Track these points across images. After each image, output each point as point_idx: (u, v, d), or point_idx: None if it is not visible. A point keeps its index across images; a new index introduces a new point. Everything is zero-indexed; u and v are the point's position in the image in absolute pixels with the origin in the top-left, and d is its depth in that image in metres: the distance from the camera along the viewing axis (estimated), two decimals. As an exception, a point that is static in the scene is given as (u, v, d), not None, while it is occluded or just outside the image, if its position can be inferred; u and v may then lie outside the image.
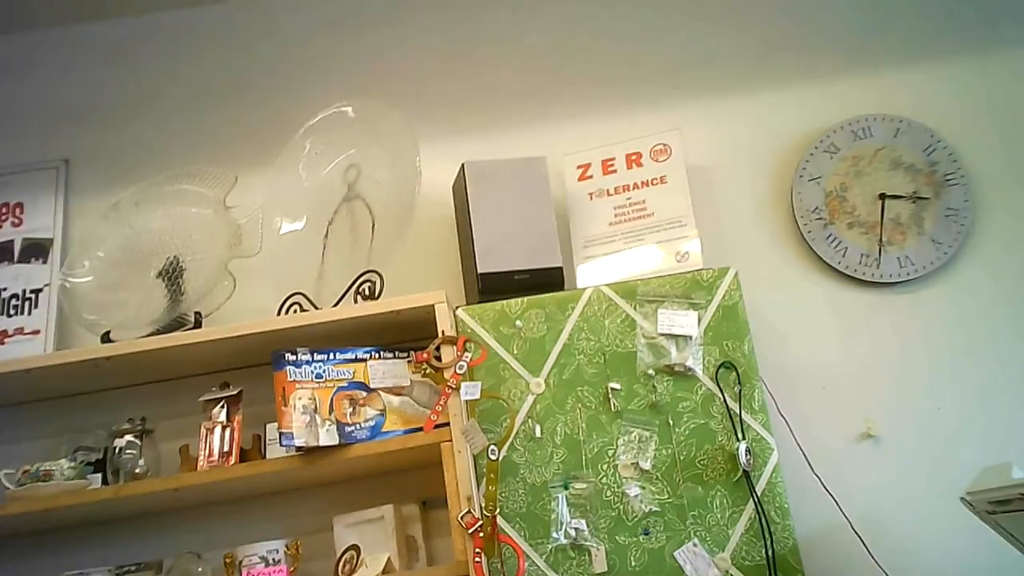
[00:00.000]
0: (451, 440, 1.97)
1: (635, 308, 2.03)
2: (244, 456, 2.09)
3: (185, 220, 2.34)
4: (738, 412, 1.95)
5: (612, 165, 2.32)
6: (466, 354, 2.02)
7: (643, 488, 1.91)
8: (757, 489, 1.91)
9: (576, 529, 1.86)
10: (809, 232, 2.39)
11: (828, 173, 2.42)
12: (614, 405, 1.96)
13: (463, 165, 2.30)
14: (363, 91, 2.43)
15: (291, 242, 2.34)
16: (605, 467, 1.92)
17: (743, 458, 1.90)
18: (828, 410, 2.27)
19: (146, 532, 2.22)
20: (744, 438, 1.93)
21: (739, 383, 1.97)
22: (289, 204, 2.36)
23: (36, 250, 2.42)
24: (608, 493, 1.91)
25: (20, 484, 2.03)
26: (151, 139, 2.56)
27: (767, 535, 1.88)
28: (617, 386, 1.97)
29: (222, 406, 2.13)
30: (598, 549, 1.85)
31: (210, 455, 2.08)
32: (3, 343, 2.31)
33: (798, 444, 2.13)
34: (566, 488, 1.91)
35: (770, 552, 1.87)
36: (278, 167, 2.37)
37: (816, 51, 2.54)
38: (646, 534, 1.89)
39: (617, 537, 1.88)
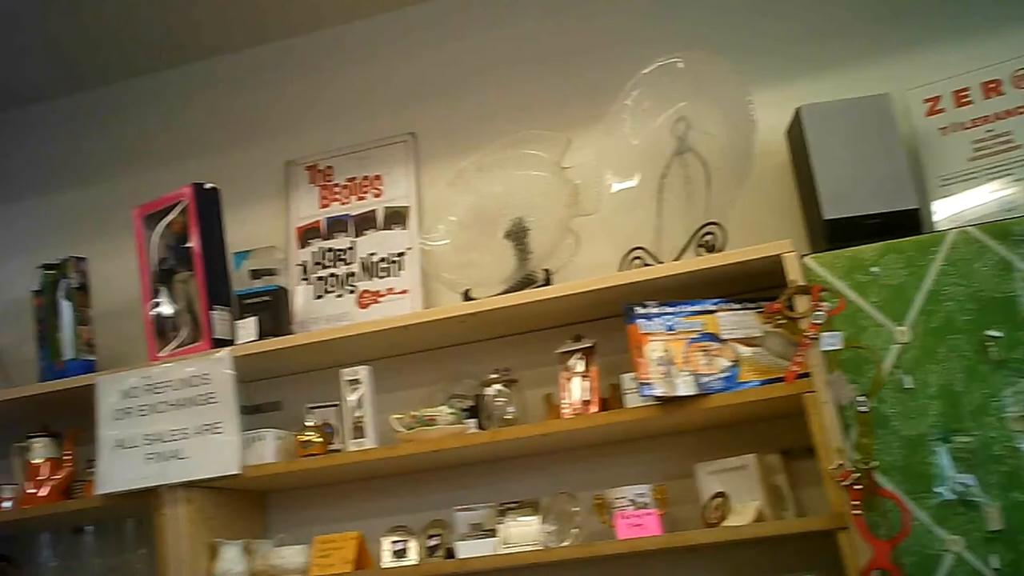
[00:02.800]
0: (814, 391, 1.94)
1: (1010, 249, 1.89)
2: (604, 405, 2.19)
3: (525, 183, 2.45)
4: None
5: (966, 96, 2.15)
6: (823, 303, 1.98)
7: (1039, 443, 1.78)
8: None
9: (964, 484, 1.79)
10: None
11: None
12: (995, 354, 1.84)
13: (798, 109, 2.23)
14: (688, 44, 2.40)
15: (625, 199, 2.38)
16: (990, 420, 1.82)
17: None
18: None
19: (518, 472, 2.38)
20: None
21: None
22: (620, 162, 2.40)
23: (396, 217, 2.64)
24: (997, 448, 1.81)
25: (409, 428, 2.25)
26: (487, 109, 2.68)
27: None
28: (997, 334, 1.85)
29: (579, 357, 2.23)
30: (991, 506, 1.77)
31: (573, 403, 2.19)
32: (377, 302, 2.55)
33: None
34: (947, 441, 1.83)
35: None
36: (607, 126, 2.41)
37: None
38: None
39: (1011, 494, 1.78)
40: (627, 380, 2.15)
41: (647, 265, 2.25)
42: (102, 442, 2.42)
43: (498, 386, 2.29)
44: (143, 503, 2.39)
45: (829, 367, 1.94)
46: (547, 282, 2.32)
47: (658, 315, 2.13)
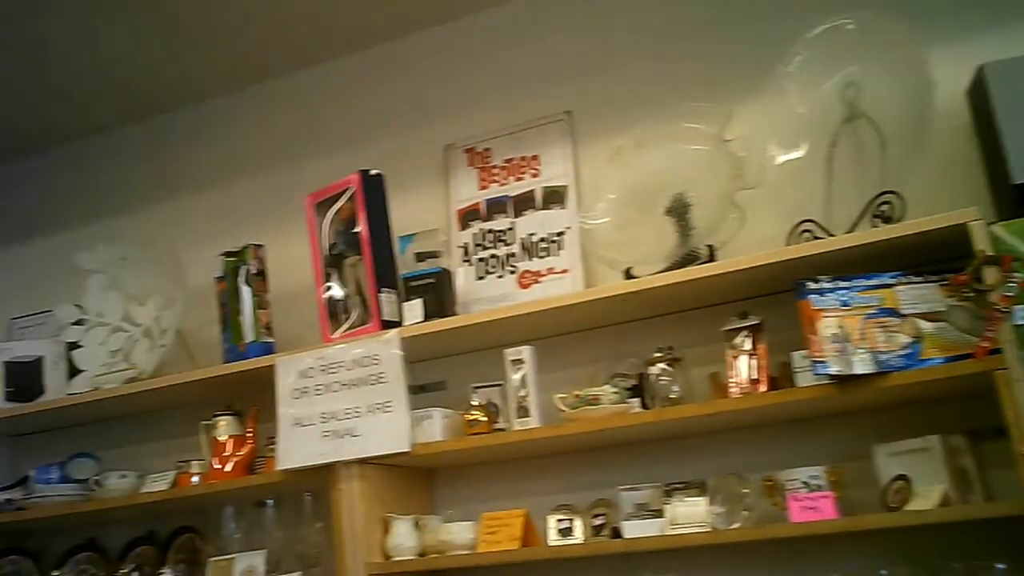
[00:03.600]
0: (1006, 368, 1.81)
1: None
2: (773, 384, 2.11)
3: (686, 157, 2.39)
4: None
5: None
6: (1015, 274, 1.84)
7: None
8: None
9: None
10: None
11: None
12: None
13: (980, 67, 2.08)
14: (853, 4, 2.27)
15: (791, 170, 2.29)
16: None
17: None
18: None
19: (683, 452, 2.34)
20: None
21: None
22: (785, 132, 2.30)
23: (555, 197, 2.63)
24: None
25: (573, 407, 2.25)
26: (643, 84, 2.63)
27: None
28: None
29: (746, 335, 2.16)
30: None
31: (740, 382, 2.13)
32: (538, 282, 2.56)
33: None
34: None
35: None
36: (769, 95, 2.31)
37: None
38: None
39: None
40: (798, 358, 2.07)
41: (817, 238, 2.16)
42: (282, 420, 2.54)
43: (662, 365, 2.25)
44: (320, 479, 2.50)
45: (1022, 343, 1.80)
46: (711, 258, 2.26)
47: (831, 290, 2.03)
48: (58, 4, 2.70)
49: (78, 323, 2.98)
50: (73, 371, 2.96)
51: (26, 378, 2.99)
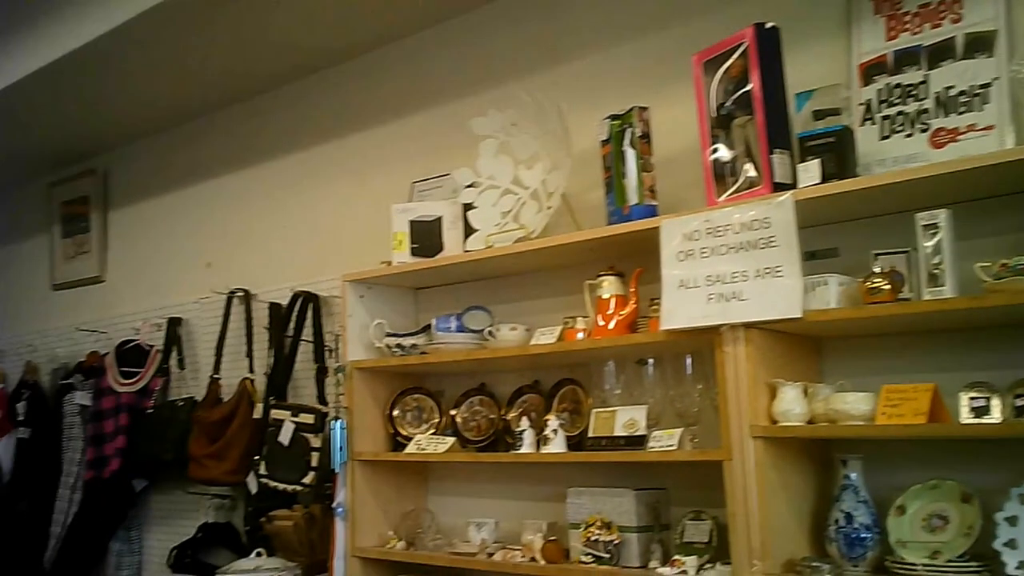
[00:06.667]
0: None
1: None
2: None
3: None
4: None
5: None
6: None
7: None
8: None
9: None
10: None
11: None
12: None
13: None
14: None
15: None
16: None
17: None
18: None
19: None
20: None
21: None
22: None
23: (980, 44, 2.29)
24: None
25: (998, 277, 1.99)
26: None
27: None
28: None
29: None
30: None
31: None
32: (955, 141, 2.26)
33: None
34: None
35: None
36: None
37: None
38: None
39: None
40: None
41: None
42: (666, 281, 2.52)
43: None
44: (702, 340, 2.46)
45: None
46: None
47: None
48: None
49: (472, 185, 3.15)
50: (468, 230, 3.14)
51: (428, 236, 3.22)
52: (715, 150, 2.51)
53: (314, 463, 3.45)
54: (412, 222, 3.24)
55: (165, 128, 4.71)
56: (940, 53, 2.35)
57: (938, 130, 2.30)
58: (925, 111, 2.33)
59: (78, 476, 4.42)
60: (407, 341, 3.22)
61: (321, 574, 3.31)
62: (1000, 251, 2.08)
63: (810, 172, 2.32)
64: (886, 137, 2.38)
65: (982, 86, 2.25)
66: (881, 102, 2.41)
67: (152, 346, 4.38)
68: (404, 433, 3.28)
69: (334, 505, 3.22)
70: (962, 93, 2.28)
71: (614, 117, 2.77)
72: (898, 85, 2.38)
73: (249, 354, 3.96)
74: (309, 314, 3.78)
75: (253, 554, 3.43)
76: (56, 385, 4.78)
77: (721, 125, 2.50)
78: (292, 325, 3.80)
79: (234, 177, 4.40)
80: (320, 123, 4.03)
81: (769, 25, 2.39)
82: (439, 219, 3.21)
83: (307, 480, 3.44)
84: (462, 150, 3.21)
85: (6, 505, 4.67)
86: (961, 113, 2.27)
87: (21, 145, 4.99)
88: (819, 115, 2.41)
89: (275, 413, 3.61)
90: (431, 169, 3.51)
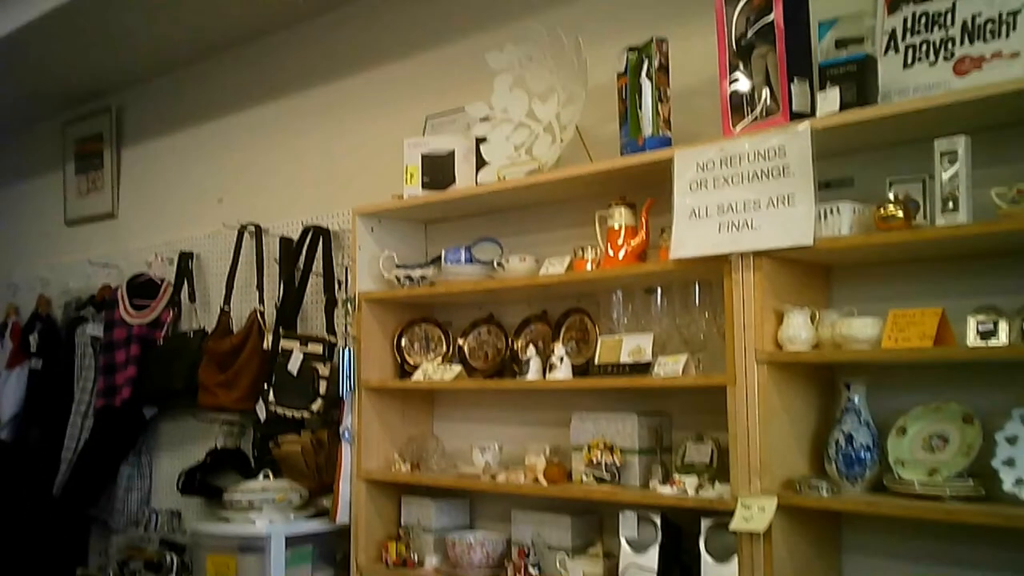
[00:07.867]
0: None
1: None
2: None
3: None
4: None
5: None
6: None
7: None
8: None
9: None
10: None
11: None
12: None
13: None
14: None
15: None
16: None
17: None
18: None
19: None
20: None
21: None
22: None
23: (1008, -30, 2.24)
24: None
25: (1014, 203, 1.97)
26: None
27: None
28: None
29: None
30: None
31: None
32: (979, 68, 2.21)
33: None
34: None
35: None
36: None
37: None
38: None
39: None
40: None
41: None
42: (677, 211, 2.49)
43: None
44: (711, 269, 2.45)
45: None
46: None
47: None
48: None
49: (485, 119, 3.11)
50: (480, 163, 3.11)
51: (439, 169, 3.19)
52: (734, 80, 2.47)
53: (322, 391, 3.45)
54: (424, 155, 3.21)
55: (179, 66, 4.66)
56: (968, -21, 2.29)
57: (963, 58, 2.25)
58: (951, 39, 2.27)
59: (89, 405, 4.43)
60: (416, 273, 3.20)
61: (327, 495, 3.32)
62: (1016, 178, 2.06)
63: (829, 101, 2.28)
64: (909, 66, 2.32)
65: (1012, 13, 2.19)
66: (906, 31, 2.36)
67: (163, 279, 4.37)
68: (411, 362, 3.28)
69: (341, 430, 3.22)
70: (990, 20, 2.22)
71: (632, 48, 2.73)
72: (925, 13, 2.33)
73: (259, 287, 3.95)
74: (319, 248, 3.76)
75: (260, 476, 3.44)
76: (69, 318, 4.78)
77: (741, 55, 2.46)
78: (302, 259, 3.78)
79: (247, 114, 4.36)
80: (335, 60, 3.99)
81: (793, -47, 2.35)
82: (451, 153, 3.19)
83: (315, 407, 3.45)
84: (479, 85, 3.17)
85: (18, 433, 4.69)
86: (987, 41, 2.21)
87: (36, 84, 4.96)
88: (841, 44, 2.36)
89: (284, 343, 3.60)
90: (447, 105, 3.47)
